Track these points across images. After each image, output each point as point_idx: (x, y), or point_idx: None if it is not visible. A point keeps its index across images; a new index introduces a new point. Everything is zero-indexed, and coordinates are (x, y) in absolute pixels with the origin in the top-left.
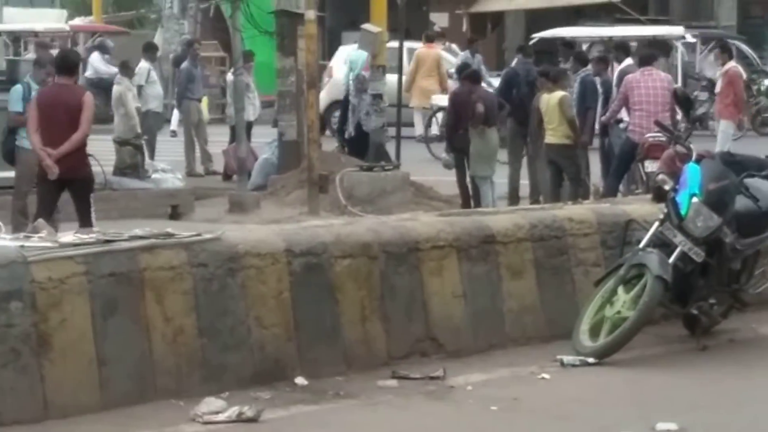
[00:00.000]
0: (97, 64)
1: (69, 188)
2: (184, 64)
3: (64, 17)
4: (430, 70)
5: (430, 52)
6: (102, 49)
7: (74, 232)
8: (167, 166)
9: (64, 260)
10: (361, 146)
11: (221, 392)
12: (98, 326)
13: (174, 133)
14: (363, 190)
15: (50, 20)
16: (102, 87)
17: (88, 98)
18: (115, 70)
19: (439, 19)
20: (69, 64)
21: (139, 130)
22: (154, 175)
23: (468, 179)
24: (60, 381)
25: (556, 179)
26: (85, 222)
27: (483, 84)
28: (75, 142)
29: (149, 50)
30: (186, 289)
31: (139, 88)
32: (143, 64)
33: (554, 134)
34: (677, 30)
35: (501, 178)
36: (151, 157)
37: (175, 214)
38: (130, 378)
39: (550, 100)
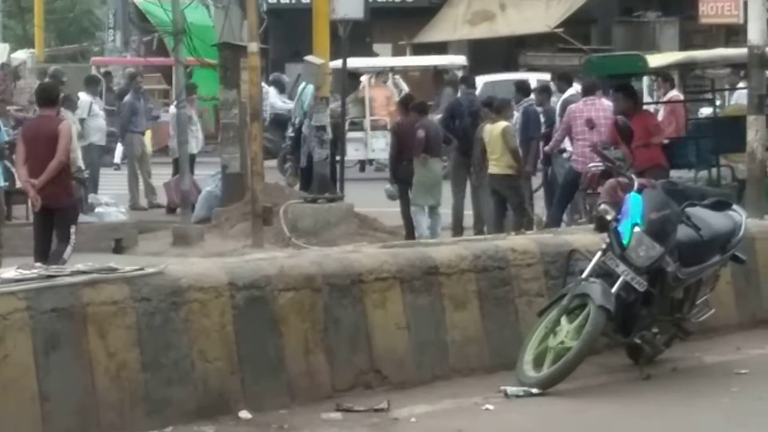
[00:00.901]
0: (273, 100)
1: (49, 215)
2: (127, 97)
3: (6, 51)
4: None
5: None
6: (278, 85)
7: (16, 267)
8: (110, 200)
9: (5, 296)
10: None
11: (165, 427)
12: (41, 362)
13: (117, 167)
14: (307, 222)
15: None
16: (279, 123)
17: (65, 126)
18: (291, 105)
19: (383, 50)
20: (49, 96)
21: (81, 164)
22: (97, 209)
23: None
24: (2, 417)
25: (500, 209)
26: (59, 250)
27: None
28: (51, 171)
29: (91, 83)
30: (129, 324)
31: (81, 121)
32: (85, 97)
33: (497, 164)
34: (459, 59)
35: (445, 208)
36: (94, 190)
37: (118, 248)
38: (73, 413)
39: (493, 130)
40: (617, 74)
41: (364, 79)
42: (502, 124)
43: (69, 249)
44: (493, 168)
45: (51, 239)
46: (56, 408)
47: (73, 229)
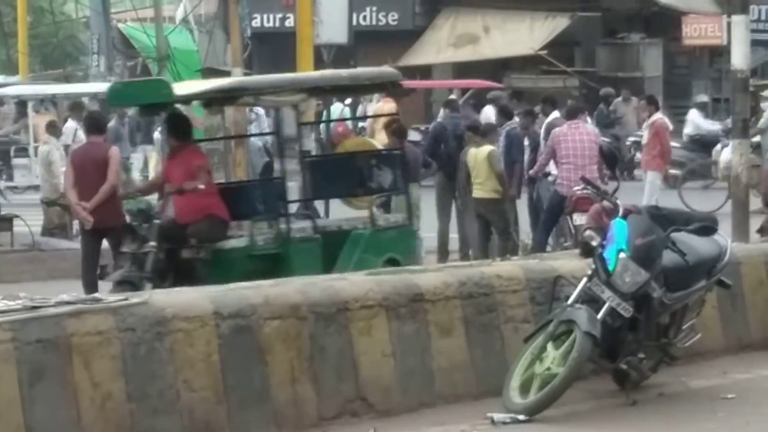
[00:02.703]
0: (698, 120)
1: (106, 237)
2: (111, 123)
3: None
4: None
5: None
6: (701, 107)
7: (1, 298)
8: None
9: None
10: None
11: None
12: (26, 393)
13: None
14: None
15: None
16: (703, 144)
17: (114, 152)
18: (718, 126)
19: None
20: (97, 124)
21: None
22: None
23: None
24: None
25: (485, 233)
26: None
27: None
28: (104, 193)
29: (76, 109)
30: (114, 354)
31: (66, 147)
32: (70, 123)
33: (482, 188)
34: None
35: (430, 232)
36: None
37: (103, 274)
38: None
39: (478, 154)
40: (145, 104)
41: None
42: (487, 148)
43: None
44: (478, 192)
45: (99, 258)
46: None
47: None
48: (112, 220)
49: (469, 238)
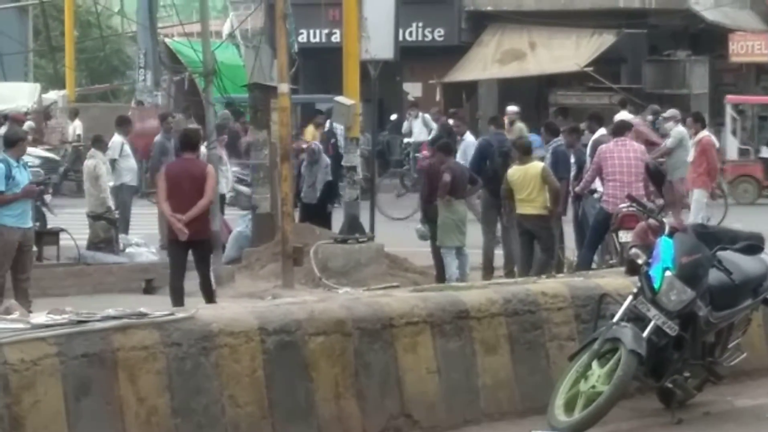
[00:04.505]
0: None
1: (193, 249)
2: (158, 138)
3: (37, 91)
4: None
5: None
6: None
7: (47, 312)
8: (141, 240)
9: (36, 341)
10: (303, 215)
11: None
12: (71, 407)
13: None
14: (338, 263)
15: (24, 94)
16: None
17: (211, 170)
18: None
19: (413, 89)
20: (191, 141)
21: (111, 204)
22: (128, 249)
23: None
24: None
25: (528, 250)
26: (204, 280)
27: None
28: (201, 207)
29: (122, 124)
30: (159, 369)
31: (113, 161)
32: (116, 138)
33: (531, 205)
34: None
35: (475, 248)
36: (125, 231)
37: (149, 288)
38: None
39: (528, 170)
40: None
41: None
42: (538, 164)
43: (213, 276)
44: (526, 208)
45: (185, 267)
46: None
47: (211, 258)
48: (202, 234)
49: (514, 254)
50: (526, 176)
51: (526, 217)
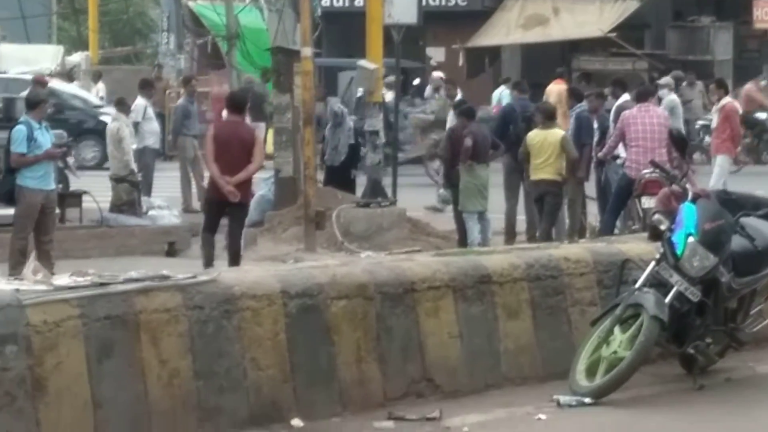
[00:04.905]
0: None
1: (230, 211)
2: (180, 101)
3: (60, 53)
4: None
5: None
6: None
7: (69, 274)
8: (164, 203)
9: (59, 303)
10: (327, 178)
11: None
12: (93, 369)
13: None
14: (360, 227)
15: (47, 56)
16: None
17: (260, 134)
18: None
19: (436, 54)
20: (238, 104)
21: (134, 167)
22: (150, 212)
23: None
24: (55, 424)
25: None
26: (234, 242)
27: None
28: (250, 172)
29: (145, 87)
30: (181, 332)
31: (136, 124)
32: (140, 101)
33: (546, 170)
34: None
35: (497, 213)
36: (148, 193)
37: (171, 251)
38: (125, 421)
39: (548, 136)
40: None
41: None
42: (559, 132)
43: (243, 241)
44: (541, 173)
45: (217, 227)
46: (109, 415)
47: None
48: (244, 197)
49: (536, 219)
50: (545, 142)
51: (541, 181)
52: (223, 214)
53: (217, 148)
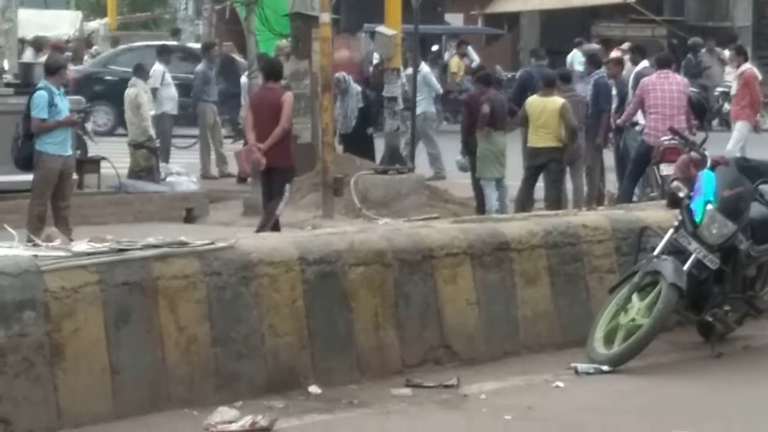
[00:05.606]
0: None
1: (271, 177)
2: (200, 67)
3: (79, 19)
4: None
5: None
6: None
7: (88, 240)
8: (182, 169)
9: (77, 269)
10: (344, 147)
11: (235, 401)
12: (111, 335)
13: None
14: (378, 193)
15: (65, 22)
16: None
17: (288, 97)
18: None
19: (454, 20)
20: (274, 71)
21: (152, 133)
22: (168, 178)
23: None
24: (73, 390)
25: (530, 185)
26: (272, 206)
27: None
28: (276, 136)
29: (163, 53)
30: (199, 298)
31: (154, 90)
32: (158, 67)
33: (546, 138)
34: None
35: (515, 180)
36: (166, 159)
37: (189, 218)
38: (143, 387)
39: (547, 104)
40: None
41: None
42: (558, 100)
43: (282, 204)
44: (540, 141)
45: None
46: (127, 381)
47: (287, 187)
48: (279, 162)
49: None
50: (545, 110)
51: (538, 150)
52: (270, 181)
53: (254, 116)
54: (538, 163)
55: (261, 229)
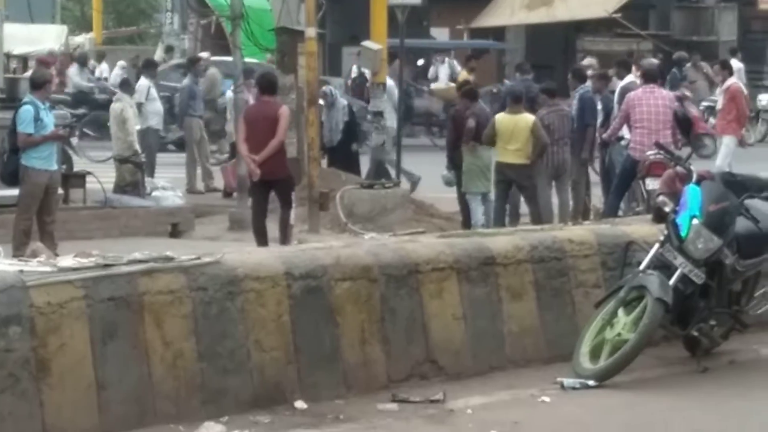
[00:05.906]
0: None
1: (273, 189)
2: (186, 81)
3: (64, 33)
4: None
5: None
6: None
7: (74, 255)
8: (167, 184)
9: (63, 285)
10: (329, 160)
11: (221, 416)
12: (97, 350)
13: None
14: (363, 208)
15: (51, 36)
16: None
17: (285, 111)
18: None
19: (440, 35)
20: (270, 84)
21: (137, 148)
22: (154, 193)
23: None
24: (59, 405)
25: (503, 200)
26: (284, 217)
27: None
28: (272, 148)
29: (149, 67)
30: (185, 313)
31: (139, 105)
32: (143, 81)
33: (516, 154)
34: None
35: None
36: (151, 174)
37: (175, 232)
38: (129, 402)
39: (518, 121)
40: None
41: None
42: (529, 117)
43: (292, 213)
44: (510, 157)
45: (267, 207)
46: (113, 397)
47: (293, 196)
48: (278, 173)
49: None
50: (516, 127)
51: (511, 165)
52: (267, 194)
53: (247, 129)
54: (507, 178)
55: (285, 241)
